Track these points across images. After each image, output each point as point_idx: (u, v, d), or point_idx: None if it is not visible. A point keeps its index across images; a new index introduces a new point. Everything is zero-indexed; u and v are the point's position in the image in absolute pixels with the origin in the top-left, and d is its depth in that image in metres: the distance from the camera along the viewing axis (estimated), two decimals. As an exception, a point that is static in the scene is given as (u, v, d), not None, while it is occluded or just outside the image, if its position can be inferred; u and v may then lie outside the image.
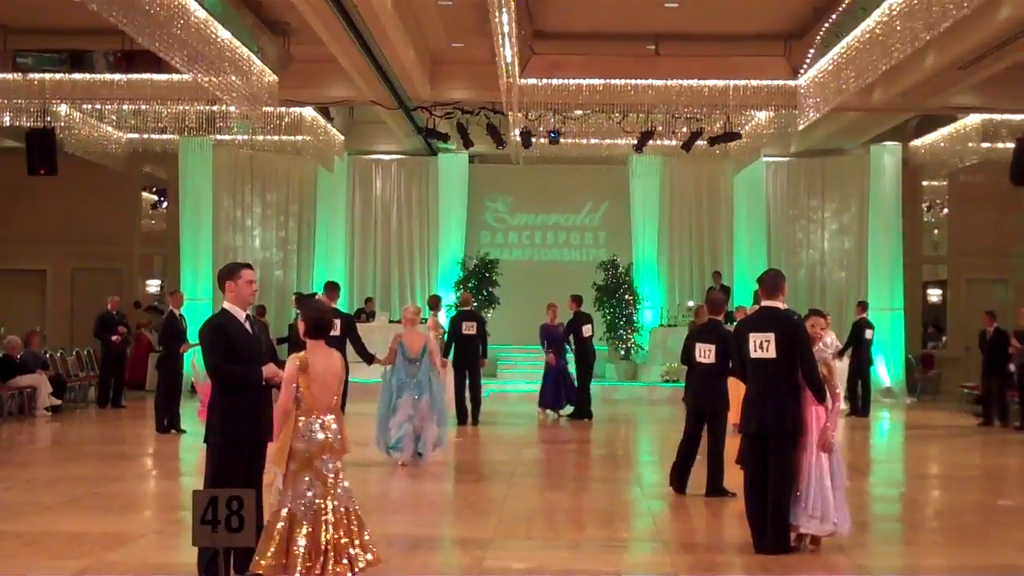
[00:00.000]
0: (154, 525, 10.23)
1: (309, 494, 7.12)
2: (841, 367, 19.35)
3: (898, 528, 10.78)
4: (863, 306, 21.83)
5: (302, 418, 7.19)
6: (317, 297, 17.43)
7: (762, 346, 8.88)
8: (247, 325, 7.67)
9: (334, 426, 7.29)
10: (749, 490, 9.01)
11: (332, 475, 7.21)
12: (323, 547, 7.06)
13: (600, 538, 9.69)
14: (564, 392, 19.52)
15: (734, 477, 11.09)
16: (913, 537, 10.25)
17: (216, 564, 6.88)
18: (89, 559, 8.44)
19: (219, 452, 7.55)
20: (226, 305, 7.71)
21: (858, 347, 20.67)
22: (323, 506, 7.13)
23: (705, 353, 11.62)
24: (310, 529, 7.06)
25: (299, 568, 6.98)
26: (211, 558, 7.12)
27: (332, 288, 16.90)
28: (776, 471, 8.77)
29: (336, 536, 7.11)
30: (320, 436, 7.19)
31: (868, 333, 20.98)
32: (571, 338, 19.48)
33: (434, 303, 19.20)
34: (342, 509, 7.19)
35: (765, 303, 9.15)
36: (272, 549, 7.01)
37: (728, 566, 8.67)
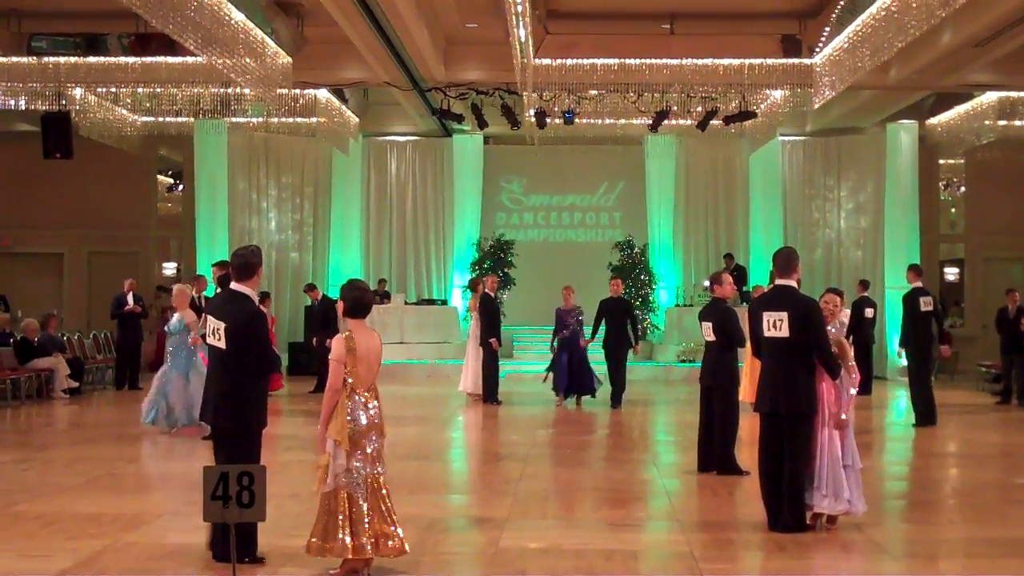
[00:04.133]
0: (170, 506, 10.26)
1: (361, 472, 7.23)
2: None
3: (914, 506, 10.75)
4: (864, 285, 21.71)
5: (346, 398, 7.27)
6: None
7: (775, 324, 8.84)
8: None
9: (376, 403, 7.37)
10: (764, 469, 9.00)
11: (376, 453, 7.30)
12: (377, 525, 7.21)
13: (616, 517, 9.69)
14: (582, 379, 18.59)
15: (749, 455, 11.09)
16: (929, 515, 10.22)
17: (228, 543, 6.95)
18: (106, 539, 8.49)
19: (247, 438, 7.69)
20: (248, 291, 7.75)
21: (859, 326, 20.47)
22: (373, 484, 7.25)
23: (707, 331, 11.80)
24: (369, 508, 7.23)
25: (368, 546, 7.19)
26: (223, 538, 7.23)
27: (221, 267, 15.35)
28: (791, 451, 8.76)
29: (384, 514, 7.30)
30: (365, 417, 7.29)
31: (869, 312, 20.86)
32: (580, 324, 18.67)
33: (474, 285, 19.69)
34: (384, 487, 7.37)
35: (779, 281, 9.11)
36: (340, 532, 7.21)
37: (744, 544, 8.67)
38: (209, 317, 7.89)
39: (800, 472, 8.73)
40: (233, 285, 7.83)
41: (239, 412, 7.65)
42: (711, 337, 11.82)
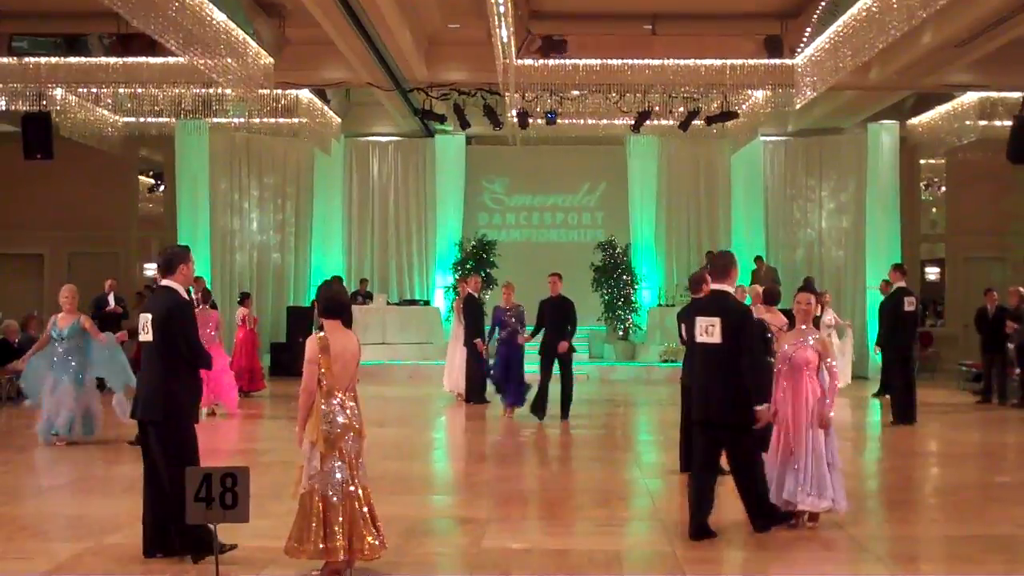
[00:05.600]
0: (153, 507, 10.21)
1: (338, 475, 7.21)
2: (839, 344, 19.29)
3: (896, 505, 10.78)
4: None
5: (323, 399, 7.26)
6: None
7: (707, 330, 8.63)
8: None
9: (354, 405, 7.37)
10: (694, 476, 8.86)
11: (355, 455, 7.29)
12: (352, 527, 7.19)
13: (598, 518, 9.69)
14: (518, 386, 17.28)
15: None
16: (911, 514, 10.25)
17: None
18: (88, 541, 8.46)
19: (179, 430, 7.79)
20: (175, 285, 7.97)
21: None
22: (351, 486, 7.22)
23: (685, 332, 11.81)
24: (344, 510, 7.22)
25: (342, 549, 7.16)
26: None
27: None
28: (738, 465, 8.76)
29: (363, 516, 7.28)
30: (342, 418, 7.27)
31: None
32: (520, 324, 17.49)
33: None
34: (363, 488, 7.35)
35: (714, 286, 8.89)
36: (313, 534, 7.19)
37: (726, 544, 8.67)
38: (140, 315, 8.08)
39: (758, 480, 8.73)
40: (162, 281, 8.04)
41: (168, 402, 7.76)
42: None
